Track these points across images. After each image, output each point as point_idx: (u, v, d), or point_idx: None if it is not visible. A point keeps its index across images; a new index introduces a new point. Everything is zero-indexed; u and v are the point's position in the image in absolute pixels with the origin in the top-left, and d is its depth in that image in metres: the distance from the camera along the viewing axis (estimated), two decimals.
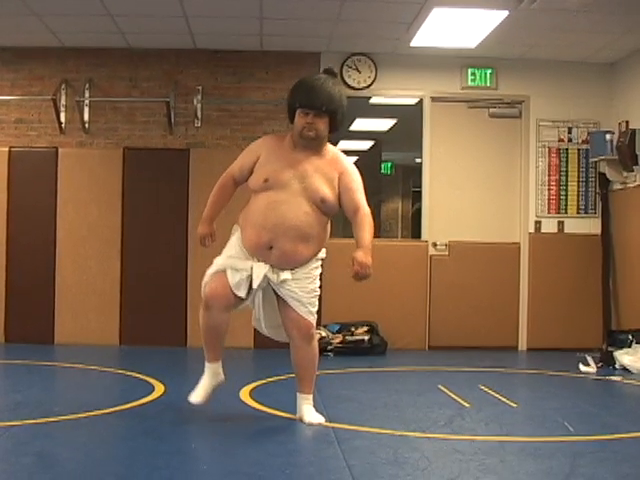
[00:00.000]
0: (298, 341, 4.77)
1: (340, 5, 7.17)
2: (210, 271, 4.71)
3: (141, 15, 7.52)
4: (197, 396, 4.79)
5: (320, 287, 4.82)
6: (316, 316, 4.81)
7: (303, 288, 4.68)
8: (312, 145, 4.69)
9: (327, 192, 4.63)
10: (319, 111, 4.61)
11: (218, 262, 4.70)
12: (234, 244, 4.74)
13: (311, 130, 4.63)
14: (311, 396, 4.87)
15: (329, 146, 4.81)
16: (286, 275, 4.63)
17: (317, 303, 4.80)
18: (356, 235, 4.63)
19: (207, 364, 4.83)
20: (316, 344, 4.86)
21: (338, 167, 4.71)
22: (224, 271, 4.64)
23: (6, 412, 4.96)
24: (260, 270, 4.60)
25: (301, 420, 4.77)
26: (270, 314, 4.82)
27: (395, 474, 3.73)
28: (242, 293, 4.63)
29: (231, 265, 4.63)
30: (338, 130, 4.80)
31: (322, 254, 4.80)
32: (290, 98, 4.74)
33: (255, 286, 4.63)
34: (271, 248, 4.60)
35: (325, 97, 4.62)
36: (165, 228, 8.38)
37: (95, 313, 8.39)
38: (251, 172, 4.74)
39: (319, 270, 4.80)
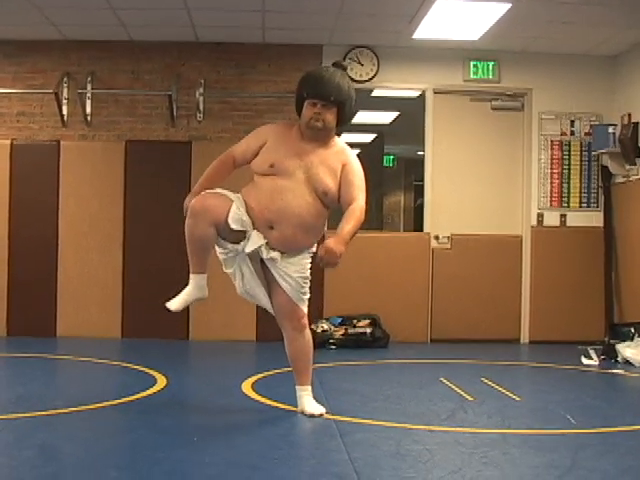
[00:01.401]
0: (290, 332, 4.77)
1: None
2: (213, 190, 4.67)
3: (143, 8, 7.51)
4: (175, 303, 4.71)
5: (311, 274, 4.80)
6: (307, 302, 4.77)
7: (291, 267, 4.66)
8: (319, 136, 4.67)
9: (330, 184, 4.61)
10: (327, 101, 4.59)
11: (225, 191, 4.65)
12: (239, 199, 4.66)
13: (319, 120, 4.60)
14: (310, 387, 4.86)
15: (336, 138, 4.79)
16: (275, 254, 4.61)
17: (308, 292, 4.77)
18: (343, 221, 4.56)
19: (192, 275, 4.74)
20: (309, 334, 4.83)
21: (342, 159, 4.69)
22: (230, 200, 4.59)
23: (8, 405, 4.97)
24: (258, 239, 4.58)
25: (302, 412, 4.77)
26: (254, 280, 4.73)
27: (397, 466, 3.74)
28: (235, 226, 4.55)
29: (238, 205, 4.58)
30: (346, 123, 4.78)
31: (314, 248, 4.77)
32: (298, 89, 4.72)
33: (247, 250, 4.60)
34: (272, 228, 4.58)
35: (334, 87, 4.60)
36: (167, 221, 8.35)
37: (97, 306, 8.40)
38: (254, 155, 4.71)
39: (309, 261, 4.77)
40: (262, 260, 4.68)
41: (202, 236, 4.61)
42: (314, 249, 4.76)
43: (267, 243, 4.61)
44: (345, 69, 4.84)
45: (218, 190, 4.68)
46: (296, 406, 4.85)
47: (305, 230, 4.62)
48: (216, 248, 4.74)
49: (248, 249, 4.60)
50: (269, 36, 8.36)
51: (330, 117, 4.63)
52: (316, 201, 4.62)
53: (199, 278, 4.75)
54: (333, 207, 4.74)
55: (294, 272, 4.67)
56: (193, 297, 4.74)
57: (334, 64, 4.84)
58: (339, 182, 4.64)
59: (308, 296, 4.79)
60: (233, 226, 4.56)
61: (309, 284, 4.78)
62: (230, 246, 4.68)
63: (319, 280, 8.39)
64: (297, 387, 4.87)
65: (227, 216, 4.55)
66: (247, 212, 4.61)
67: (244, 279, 4.73)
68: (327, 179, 4.62)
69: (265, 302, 4.81)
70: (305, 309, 4.77)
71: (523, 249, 8.77)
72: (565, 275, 8.68)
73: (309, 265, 4.78)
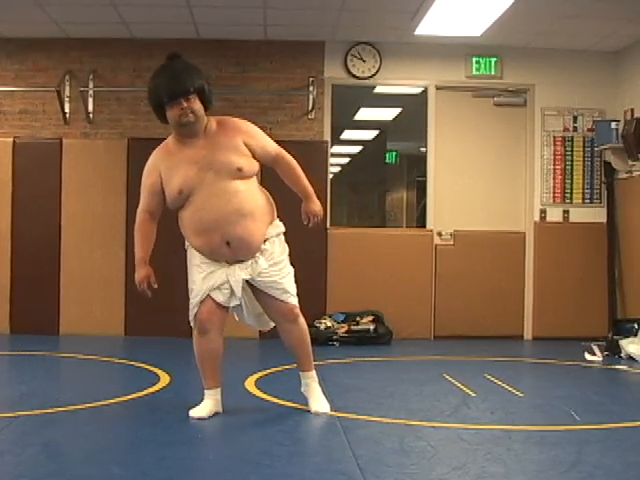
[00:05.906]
0: (285, 325, 4.76)
1: None
2: (194, 300, 4.64)
3: (144, 5, 7.51)
4: (197, 413, 4.65)
5: (292, 264, 4.80)
6: (295, 291, 4.75)
7: (280, 273, 4.65)
8: (195, 130, 4.57)
9: (239, 161, 4.54)
10: (188, 94, 4.52)
11: (197, 288, 4.62)
12: (195, 262, 4.67)
13: (187, 115, 4.51)
14: (313, 372, 4.85)
15: (210, 119, 4.68)
16: (263, 265, 4.58)
17: (293, 281, 4.74)
18: (296, 186, 4.75)
19: (207, 391, 4.70)
20: (302, 320, 4.80)
21: (234, 133, 4.64)
22: (207, 295, 4.59)
23: (12, 402, 4.98)
24: (236, 278, 4.56)
25: (307, 398, 4.79)
26: (250, 304, 4.77)
27: (401, 463, 3.74)
28: (235, 302, 4.63)
29: (211, 287, 4.58)
30: (212, 103, 4.70)
31: (281, 228, 4.75)
32: (155, 100, 4.59)
33: (239, 295, 4.59)
34: (228, 243, 4.53)
35: (185, 78, 4.54)
36: (170, 218, 8.30)
37: (100, 303, 8.40)
38: (164, 193, 4.66)
39: (286, 246, 4.76)
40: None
41: (217, 348, 4.68)
42: (282, 229, 4.74)
43: (241, 262, 4.57)
44: (180, 56, 4.75)
45: (199, 293, 4.61)
46: (300, 403, 4.85)
47: (251, 217, 4.54)
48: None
49: (238, 293, 4.59)
50: (271, 33, 8.35)
51: (197, 106, 4.54)
52: (238, 182, 4.53)
53: (215, 392, 4.71)
54: (255, 171, 4.66)
55: (279, 276, 4.64)
56: (212, 413, 4.65)
57: (168, 57, 4.75)
58: (250, 152, 4.60)
59: (294, 283, 4.75)
60: (235, 303, 4.64)
61: (292, 271, 4.75)
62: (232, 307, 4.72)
63: (322, 277, 8.40)
64: (301, 373, 4.86)
65: (227, 309, 4.66)
66: (203, 255, 4.62)
67: (244, 307, 4.75)
68: (232, 157, 4.53)
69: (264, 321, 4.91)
70: (296, 301, 4.74)
71: (526, 245, 8.76)
72: (568, 271, 8.68)
73: (287, 251, 4.76)
